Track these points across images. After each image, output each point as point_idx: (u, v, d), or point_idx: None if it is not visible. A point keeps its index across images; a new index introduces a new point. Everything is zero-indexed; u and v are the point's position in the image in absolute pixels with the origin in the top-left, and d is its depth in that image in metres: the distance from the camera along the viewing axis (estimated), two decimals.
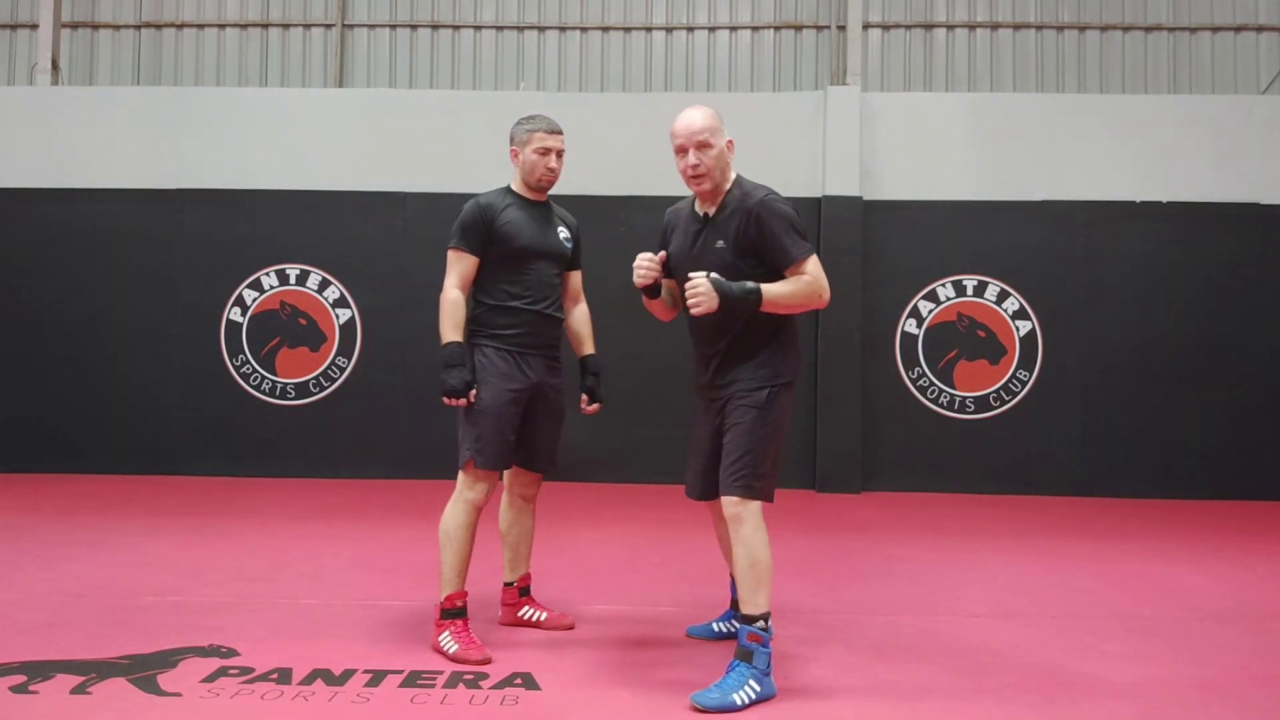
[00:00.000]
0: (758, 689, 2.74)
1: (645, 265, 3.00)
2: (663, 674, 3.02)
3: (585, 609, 3.64)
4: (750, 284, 2.83)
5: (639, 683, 2.94)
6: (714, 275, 2.83)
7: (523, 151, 3.32)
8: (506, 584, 3.50)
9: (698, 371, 3.13)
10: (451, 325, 3.19)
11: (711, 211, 3.01)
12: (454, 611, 3.16)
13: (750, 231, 2.90)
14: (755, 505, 2.87)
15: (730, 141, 2.99)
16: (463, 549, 3.19)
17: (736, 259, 2.91)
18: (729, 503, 2.87)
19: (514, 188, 3.38)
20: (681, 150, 2.96)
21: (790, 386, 3.00)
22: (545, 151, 3.31)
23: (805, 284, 2.88)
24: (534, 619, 3.46)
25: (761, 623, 2.79)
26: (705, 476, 3.10)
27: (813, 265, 2.90)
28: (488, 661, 3.03)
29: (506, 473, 3.39)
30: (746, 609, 2.81)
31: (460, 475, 3.22)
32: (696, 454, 3.15)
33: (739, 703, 2.69)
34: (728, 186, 3.00)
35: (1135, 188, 7.06)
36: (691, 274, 2.84)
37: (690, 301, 2.81)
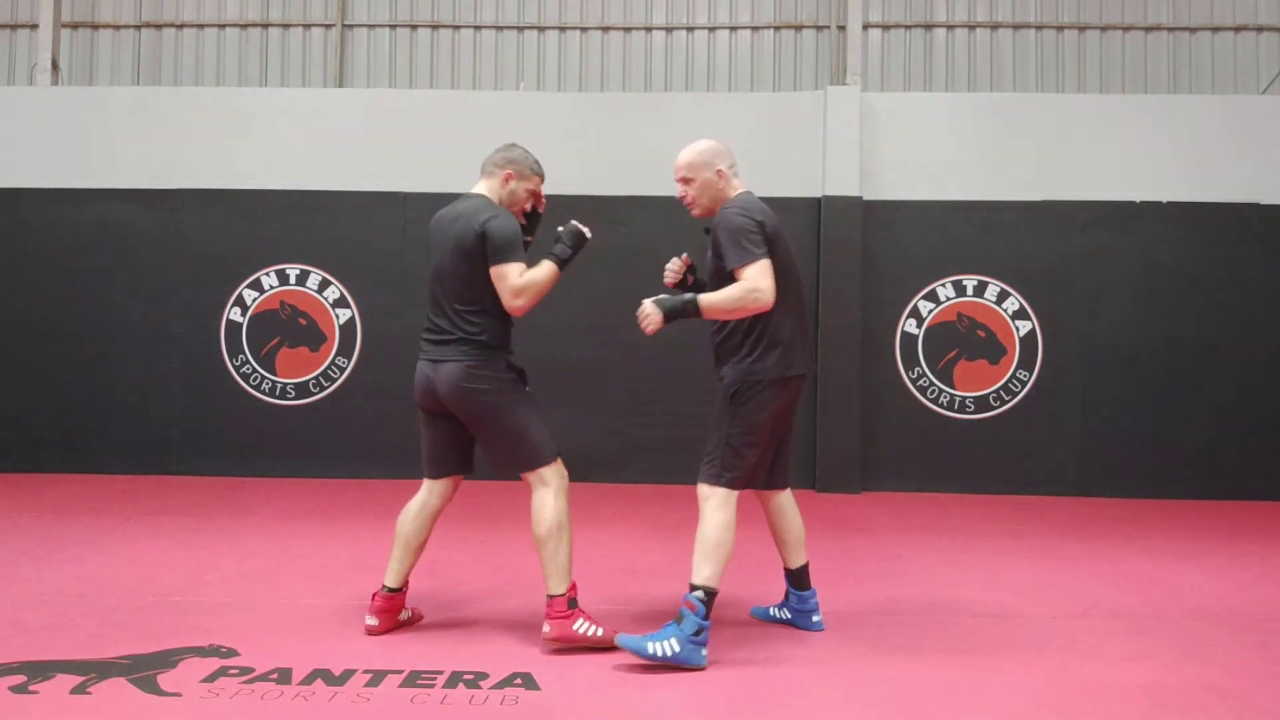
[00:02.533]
0: (676, 649, 3.00)
1: (671, 269, 3.47)
2: (662, 674, 3.02)
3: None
4: (689, 295, 3.17)
5: (639, 683, 2.94)
6: (659, 298, 3.16)
7: (518, 183, 3.41)
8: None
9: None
10: (543, 274, 3.24)
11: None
12: (575, 600, 3.24)
13: (715, 242, 3.22)
14: (721, 491, 3.16)
15: (720, 171, 3.30)
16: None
17: (719, 266, 3.22)
18: (699, 489, 3.21)
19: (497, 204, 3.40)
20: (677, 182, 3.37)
21: (774, 384, 3.19)
22: (532, 194, 3.48)
23: (737, 289, 3.10)
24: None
25: (700, 593, 3.06)
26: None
27: (752, 270, 3.09)
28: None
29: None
30: (692, 577, 3.10)
31: (545, 471, 3.26)
32: None
33: (650, 651, 2.99)
34: (721, 208, 3.29)
35: (1135, 188, 7.06)
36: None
37: (641, 325, 3.15)
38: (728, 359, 3.25)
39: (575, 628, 3.17)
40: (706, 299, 3.13)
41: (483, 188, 3.42)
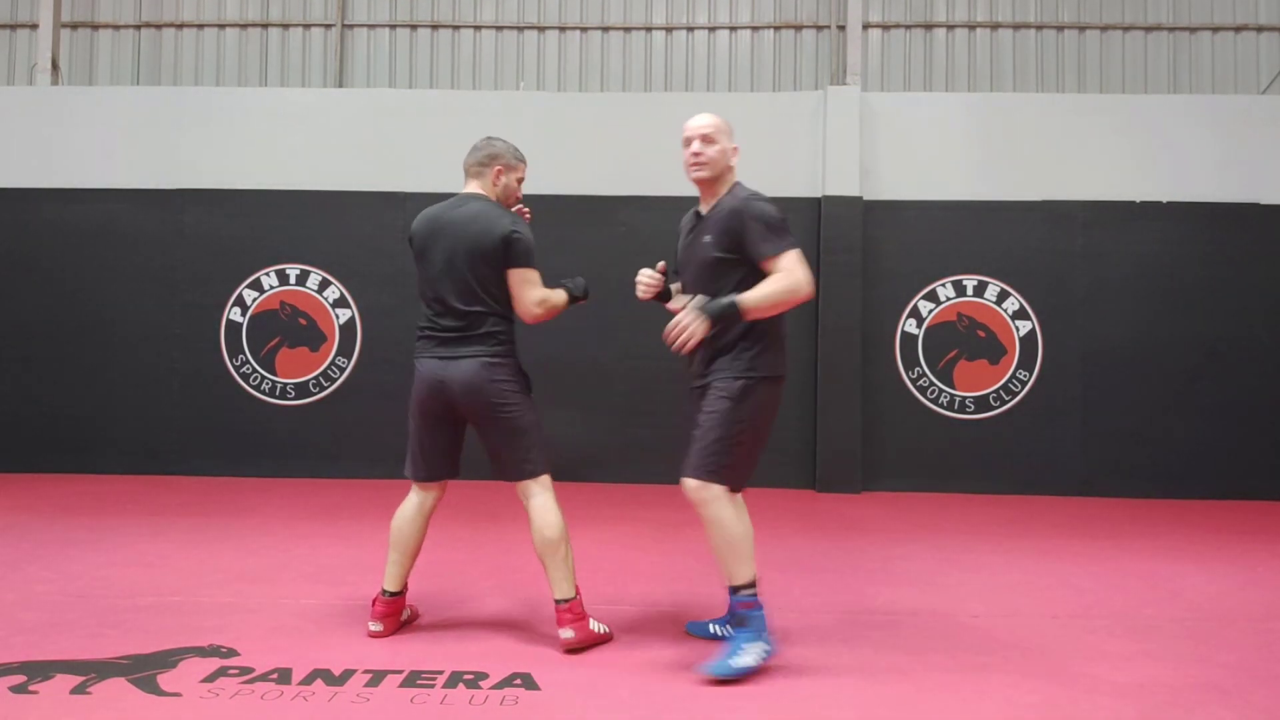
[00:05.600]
0: (764, 648, 2.96)
1: (645, 282, 3.30)
2: (662, 673, 3.02)
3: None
4: (728, 299, 2.97)
5: (639, 683, 2.94)
6: (697, 302, 2.98)
7: (508, 176, 3.43)
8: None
9: (685, 364, 3.29)
10: (559, 296, 3.36)
11: (705, 210, 3.23)
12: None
13: (733, 228, 3.06)
14: (718, 488, 3.02)
15: (735, 148, 3.20)
16: None
17: (720, 253, 3.08)
18: (692, 486, 3.03)
19: (493, 202, 3.42)
20: (687, 142, 3.19)
21: (771, 382, 3.11)
22: (522, 182, 3.50)
23: (779, 281, 2.98)
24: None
25: (749, 590, 3.00)
26: None
27: (788, 260, 3.00)
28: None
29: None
30: (732, 580, 3.02)
31: (539, 482, 3.28)
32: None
33: (742, 666, 2.91)
34: (725, 190, 3.19)
35: (1135, 188, 7.06)
36: (680, 311, 2.99)
37: (680, 340, 2.96)
38: (720, 354, 3.09)
39: (591, 628, 3.27)
40: (749, 299, 2.94)
41: (476, 188, 3.41)
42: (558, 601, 3.22)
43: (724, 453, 3.03)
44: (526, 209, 3.55)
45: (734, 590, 3.03)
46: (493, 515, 5.59)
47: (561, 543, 3.23)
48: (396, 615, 3.40)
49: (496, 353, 3.26)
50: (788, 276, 2.98)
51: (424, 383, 3.31)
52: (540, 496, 3.27)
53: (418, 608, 3.60)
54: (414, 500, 3.41)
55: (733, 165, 3.21)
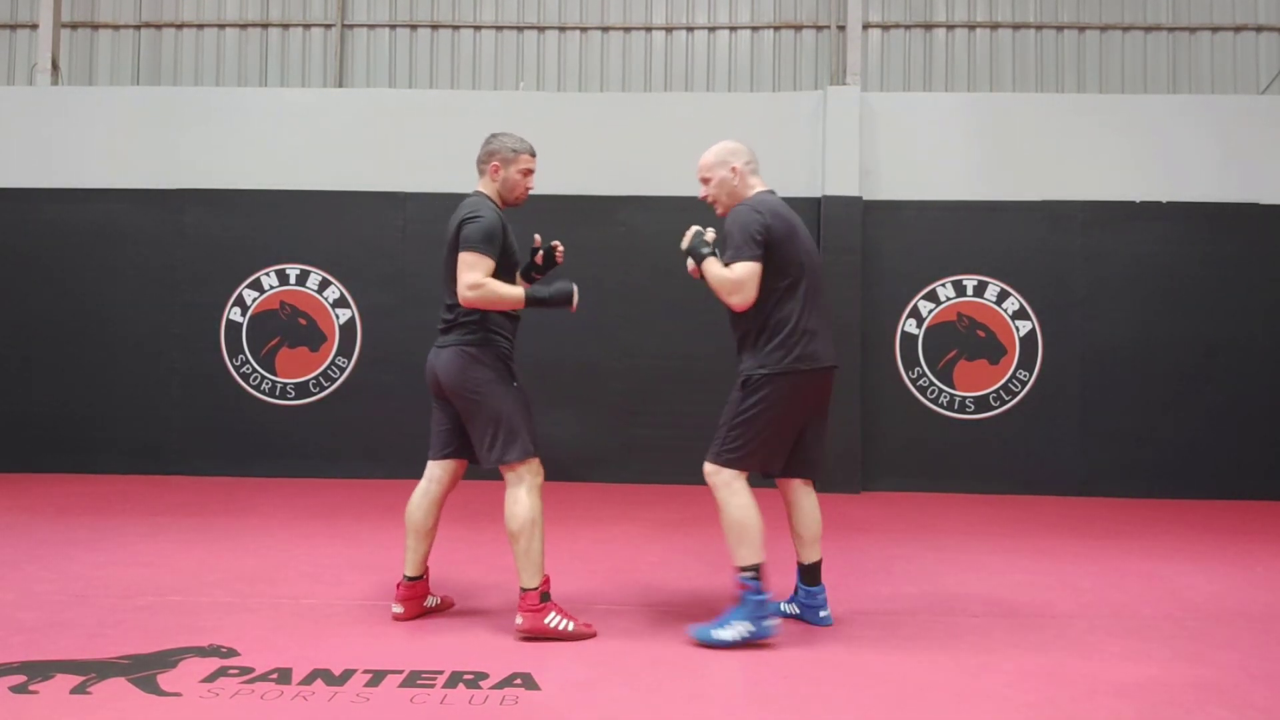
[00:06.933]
0: (747, 629, 3.18)
1: None
2: (662, 673, 3.02)
3: (586, 609, 3.64)
4: (706, 250, 3.37)
5: (639, 682, 2.94)
6: (698, 232, 3.43)
7: (506, 169, 3.49)
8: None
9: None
10: (507, 289, 3.31)
11: None
12: (548, 594, 3.33)
13: (723, 237, 3.40)
14: (727, 472, 3.30)
15: (734, 168, 3.44)
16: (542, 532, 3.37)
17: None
18: (706, 468, 3.35)
19: (492, 199, 3.49)
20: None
21: (778, 378, 3.29)
22: (528, 173, 3.53)
23: (722, 277, 3.29)
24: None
25: (750, 573, 3.22)
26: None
27: (738, 269, 3.26)
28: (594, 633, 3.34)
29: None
30: (734, 561, 3.26)
31: (520, 468, 3.33)
32: None
33: (723, 638, 3.17)
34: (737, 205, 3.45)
35: (1135, 188, 7.06)
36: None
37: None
38: (740, 351, 3.40)
39: (546, 621, 3.28)
40: (708, 263, 3.35)
41: (480, 185, 3.54)
42: (520, 589, 3.32)
43: (721, 438, 3.34)
44: (559, 246, 3.67)
45: (738, 569, 3.24)
46: (493, 515, 5.58)
47: (522, 535, 3.28)
48: (418, 599, 3.51)
49: (470, 342, 3.36)
50: (726, 281, 3.28)
51: (426, 367, 3.51)
52: (513, 487, 3.34)
53: (451, 597, 3.71)
54: (422, 485, 3.53)
55: (737, 184, 3.43)
